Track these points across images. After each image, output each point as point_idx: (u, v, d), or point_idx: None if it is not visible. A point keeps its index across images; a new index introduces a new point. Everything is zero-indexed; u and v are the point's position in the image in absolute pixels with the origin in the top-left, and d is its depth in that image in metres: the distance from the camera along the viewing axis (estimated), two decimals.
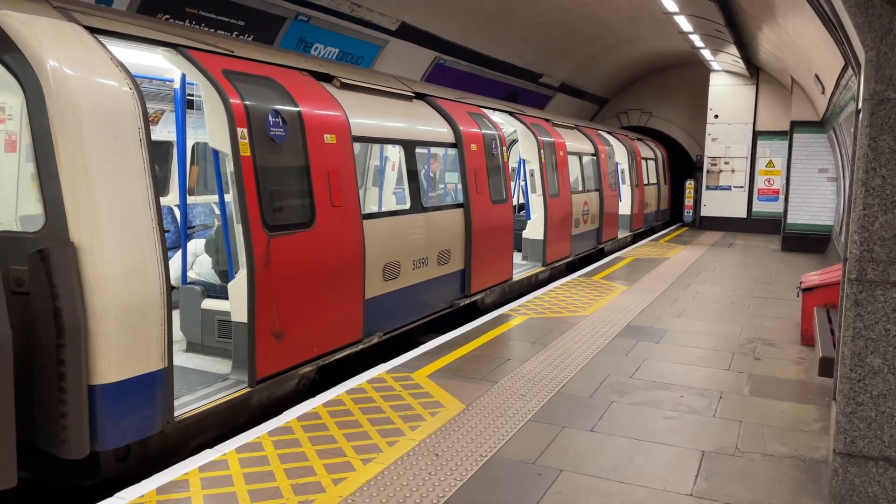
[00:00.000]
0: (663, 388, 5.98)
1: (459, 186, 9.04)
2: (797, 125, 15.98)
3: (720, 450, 4.75)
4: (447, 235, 8.31)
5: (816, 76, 11.13)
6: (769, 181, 18.52)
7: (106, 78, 4.25)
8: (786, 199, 16.14)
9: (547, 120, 12.69)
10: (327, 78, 6.81)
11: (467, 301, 8.83)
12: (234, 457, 4.40)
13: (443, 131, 8.57)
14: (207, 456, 4.39)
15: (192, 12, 8.08)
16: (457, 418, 5.15)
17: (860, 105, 3.86)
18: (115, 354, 4.13)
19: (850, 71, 6.99)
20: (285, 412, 5.19)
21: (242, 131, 5.17)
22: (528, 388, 5.86)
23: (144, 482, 4.06)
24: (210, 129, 5.26)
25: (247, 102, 5.31)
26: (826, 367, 5.49)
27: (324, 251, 5.97)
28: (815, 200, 15.86)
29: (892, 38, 3.54)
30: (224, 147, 5.20)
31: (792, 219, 16.05)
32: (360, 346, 6.57)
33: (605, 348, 7.11)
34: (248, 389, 5.21)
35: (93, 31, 4.48)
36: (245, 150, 5.20)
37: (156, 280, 4.35)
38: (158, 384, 4.39)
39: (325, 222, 5.99)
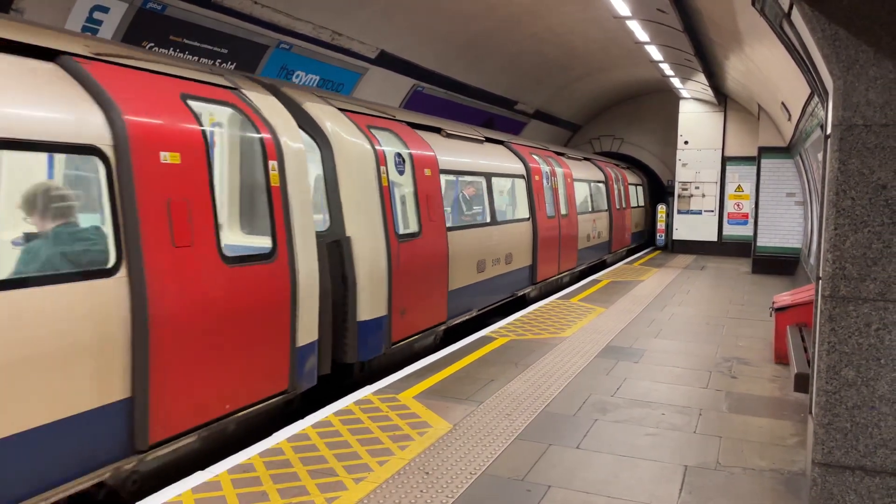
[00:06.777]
0: (644, 406, 6.12)
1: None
2: (765, 151, 16.42)
3: (702, 464, 4.88)
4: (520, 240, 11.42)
5: (783, 104, 11.51)
6: (738, 205, 18.96)
7: (359, 139, 7.02)
8: (755, 223, 16.51)
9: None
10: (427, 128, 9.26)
11: (535, 287, 12.19)
12: (227, 478, 4.42)
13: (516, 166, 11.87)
14: (200, 477, 4.42)
15: (176, 41, 8.17)
16: (444, 437, 5.22)
17: (829, 131, 4.07)
18: (366, 302, 6.73)
19: (815, 99, 7.28)
20: (275, 434, 5.23)
21: (383, 169, 7.30)
22: (513, 407, 5.96)
23: None
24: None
25: (383, 147, 7.40)
26: (801, 382, 5.68)
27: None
28: (784, 224, 16.26)
29: (859, 68, 3.76)
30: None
31: (761, 242, 16.43)
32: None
33: (585, 368, 7.24)
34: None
35: (343, 111, 7.17)
36: (385, 180, 7.34)
37: (384, 259, 7.04)
38: (385, 324, 7.06)
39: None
